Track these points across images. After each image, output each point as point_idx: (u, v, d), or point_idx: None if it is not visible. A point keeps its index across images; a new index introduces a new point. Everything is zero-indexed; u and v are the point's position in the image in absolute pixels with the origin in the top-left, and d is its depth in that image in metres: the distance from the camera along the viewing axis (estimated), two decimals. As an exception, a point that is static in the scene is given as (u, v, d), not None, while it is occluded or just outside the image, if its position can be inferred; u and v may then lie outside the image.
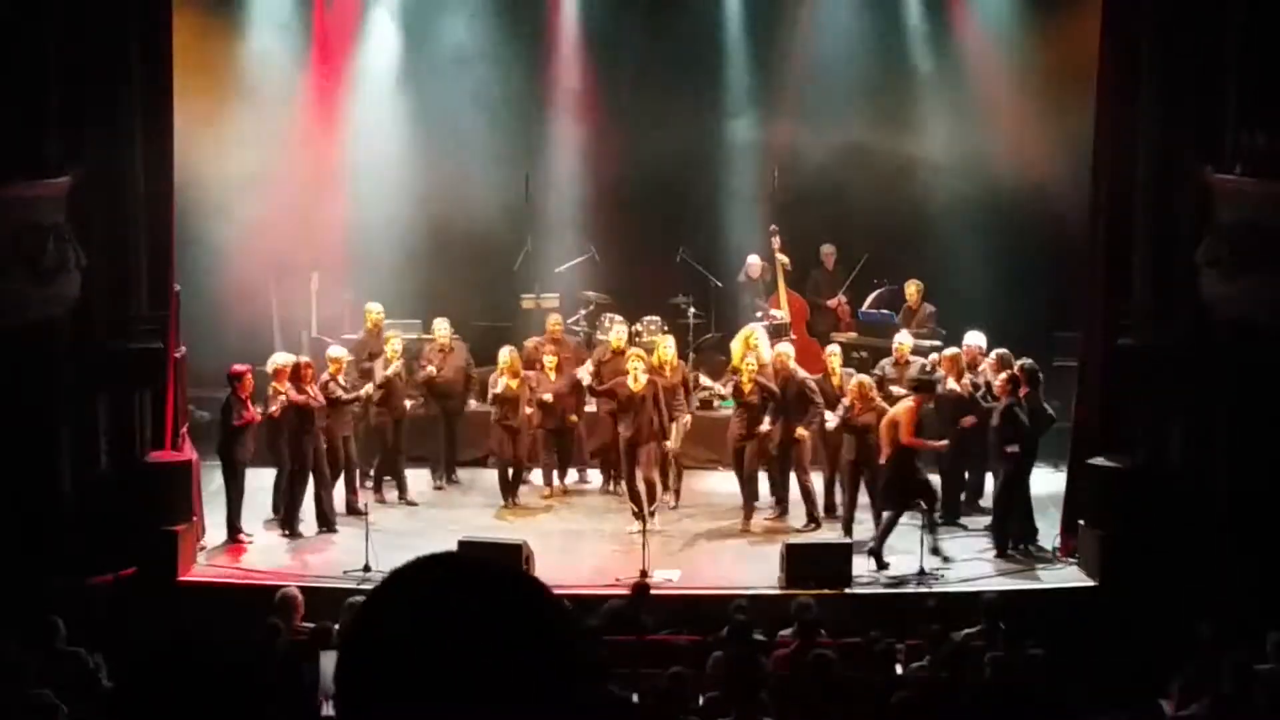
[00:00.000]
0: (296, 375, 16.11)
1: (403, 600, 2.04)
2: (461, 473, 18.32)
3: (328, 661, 11.08)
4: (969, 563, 15.40)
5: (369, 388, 17.05)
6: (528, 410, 17.39)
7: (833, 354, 17.15)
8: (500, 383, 17.29)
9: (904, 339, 17.52)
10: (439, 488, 18.04)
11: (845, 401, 16.00)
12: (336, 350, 17.09)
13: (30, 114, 14.32)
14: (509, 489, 17.33)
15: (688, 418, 17.00)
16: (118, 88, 14.95)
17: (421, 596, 2.03)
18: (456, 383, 18.00)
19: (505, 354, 17.41)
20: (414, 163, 20.49)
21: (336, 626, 11.59)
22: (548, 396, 17.32)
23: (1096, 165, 15.90)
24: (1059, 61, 18.93)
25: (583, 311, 19.31)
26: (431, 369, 17.75)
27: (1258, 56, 14.44)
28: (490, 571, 2.07)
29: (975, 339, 17.10)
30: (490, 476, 17.74)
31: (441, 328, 18.01)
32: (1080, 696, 10.91)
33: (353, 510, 16.63)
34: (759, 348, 16.85)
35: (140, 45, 15.11)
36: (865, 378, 16.22)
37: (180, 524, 15.05)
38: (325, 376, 16.59)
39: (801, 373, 16.25)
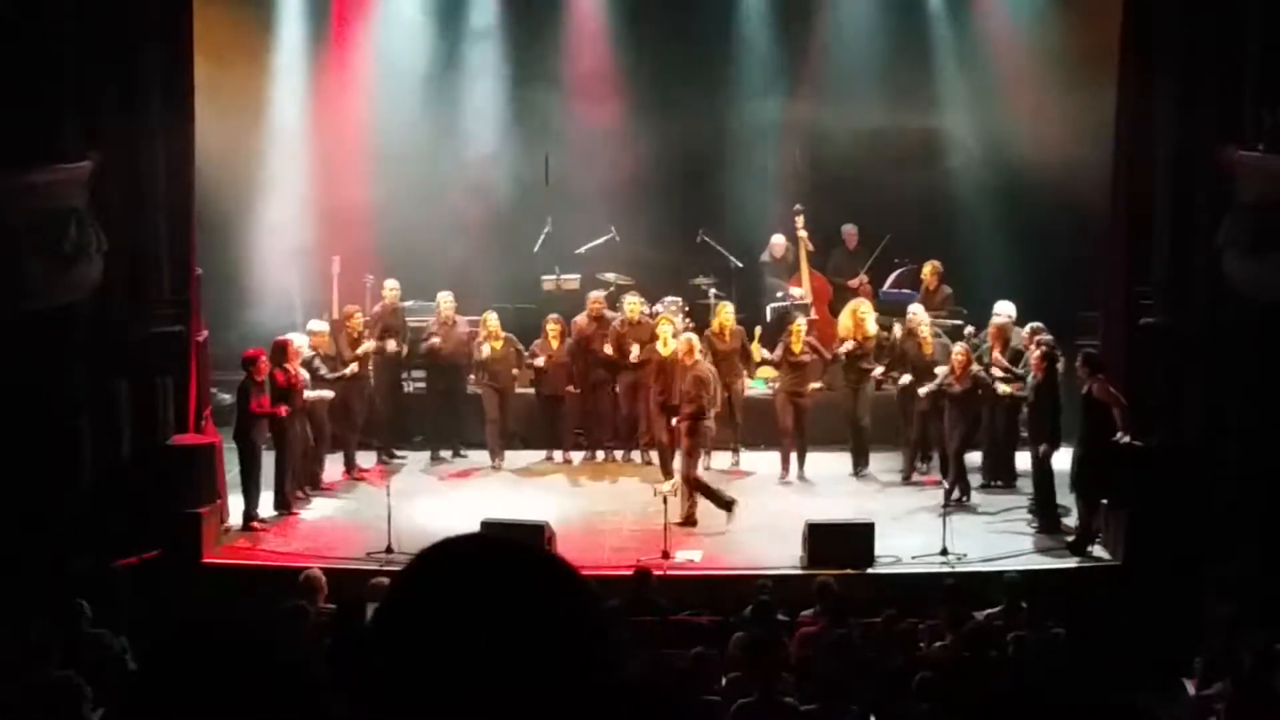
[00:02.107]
0: (282, 354, 16.15)
1: (427, 592, 2.01)
2: (473, 454, 18.51)
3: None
4: (999, 539, 15.52)
5: (353, 367, 17.27)
6: (515, 371, 18.03)
7: (923, 324, 17.32)
8: (485, 348, 17.78)
9: (917, 309, 17.82)
10: (441, 460, 18.39)
11: (943, 370, 16.33)
12: (318, 324, 17.25)
13: (51, 98, 14.34)
14: (496, 450, 18.06)
15: (746, 380, 18.06)
16: (138, 71, 14.99)
17: (447, 587, 2.00)
18: (459, 356, 18.20)
19: (493, 319, 17.94)
20: (435, 144, 20.53)
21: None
22: (539, 361, 17.85)
23: (1118, 144, 15.88)
24: (1081, 41, 18.85)
25: (603, 292, 19.33)
26: (436, 340, 18.00)
27: (1279, 34, 14.38)
28: (519, 556, 2.05)
29: (1005, 308, 17.31)
30: (509, 457, 18.23)
31: (445, 301, 18.20)
32: (1102, 676, 10.91)
33: (315, 485, 17.03)
34: (865, 320, 17.57)
35: (161, 29, 15.15)
36: (965, 346, 16.36)
37: (203, 506, 15.12)
38: (308, 353, 16.69)
39: (704, 365, 16.32)
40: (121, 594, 13.17)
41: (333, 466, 17.65)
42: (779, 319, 18.86)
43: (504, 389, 18.12)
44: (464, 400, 18.52)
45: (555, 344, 18.08)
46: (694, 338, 16.67)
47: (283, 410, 15.87)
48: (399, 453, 18.44)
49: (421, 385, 18.85)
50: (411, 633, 1.98)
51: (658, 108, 20.58)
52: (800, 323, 17.62)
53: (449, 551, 2.06)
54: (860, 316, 17.68)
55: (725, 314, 17.91)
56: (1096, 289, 17.26)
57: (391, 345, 17.95)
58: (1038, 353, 15.78)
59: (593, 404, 18.29)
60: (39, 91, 14.20)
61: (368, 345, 17.49)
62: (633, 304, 18.17)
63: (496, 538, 2.11)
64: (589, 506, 16.65)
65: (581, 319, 18.27)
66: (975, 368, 16.31)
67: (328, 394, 16.76)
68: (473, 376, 18.32)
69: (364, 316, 17.80)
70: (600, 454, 18.44)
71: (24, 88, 14.08)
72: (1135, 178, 15.55)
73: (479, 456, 18.36)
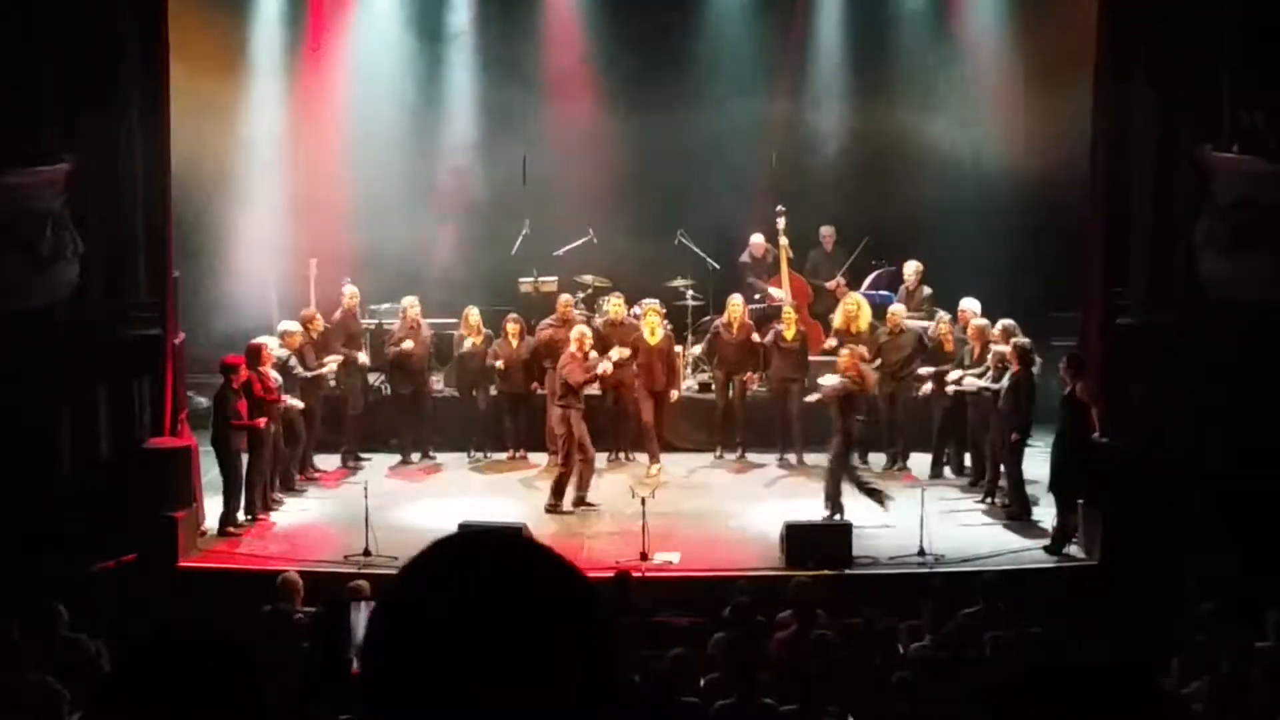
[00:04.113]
0: (256, 358, 16.07)
1: (430, 592, 1.97)
2: (441, 456, 18.62)
3: (359, 615, 11.22)
4: (976, 539, 15.55)
5: (330, 365, 17.35)
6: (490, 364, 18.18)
7: (943, 319, 17.60)
8: (466, 342, 18.12)
9: (897, 308, 18.07)
10: (409, 461, 18.43)
11: (978, 373, 16.28)
12: (290, 325, 17.24)
13: (27, 100, 14.30)
14: (473, 444, 18.49)
15: (751, 372, 18.36)
16: (114, 73, 14.95)
17: (450, 585, 1.96)
18: (424, 359, 18.29)
19: (474, 314, 18.20)
20: (411, 146, 20.52)
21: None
22: (499, 364, 17.93)
23: (1095, 145, 15.92)
24: (1058, 42, 18.90)
25: (580, 294, 19.37)
26: (409, 343, 17.99)
27: (1255, 34, 14.43)
28: (520, 553, 2.01)
29: (970, 304, 17.53)
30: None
31: (411, 304, 18.24)
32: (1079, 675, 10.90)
33: (288, 487, 17.01)
34: (860, 315, 18.00)
35: (136, 30, 15.11)
36: (1004, 349, 16.23)
37: (180, 510, 15.06)
38: (283, 354, 16.68)
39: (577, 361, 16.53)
40: (98, 597, 13.13)
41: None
42: (757, 320, 18.91)
43: (480, 384, 18.36)
44: (431, 403, 18.58)
45: (515, 343, 18.11)
46: (586, 329, 16.92)
47: (261, 422, 15.79)
48: (365, 455, 18.43)
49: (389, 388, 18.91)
50: (414, 633, 1.94)
51: (636, 108, 20.59)
52: (789, 311, 18.07)
53: (449, 550, 2.02)
54: (852, 313, 18.01)
55: (733, 306, 18.22)
56: (1074, 289, 17.29)
57: (362, 358, 18.11)
58: (1014, 353, 15.79)
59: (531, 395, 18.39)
60: (14, 93, 14.16)
61: (333, 362, 17.45)
62: (616, 305, 18.28)
63: (495, 533, 2.07)
64: (567, 508, 16.60)
65: (548, 321, 18.29)
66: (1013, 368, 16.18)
67: (298, 404, 16.67)
68: (437, 378, 18.53)
69: (324, 323, 17.81)
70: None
71: (1, 89, 14.03)
72: (1113, 178, 15.59)
73: (448, 459, 18.45)
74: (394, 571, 2.05)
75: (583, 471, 16.41)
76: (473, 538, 2.05)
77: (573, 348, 16.52)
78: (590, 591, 2.01)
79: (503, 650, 1.90)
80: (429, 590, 1.97)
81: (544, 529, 15.18)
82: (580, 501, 16.34)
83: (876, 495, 15.72)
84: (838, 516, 15.65)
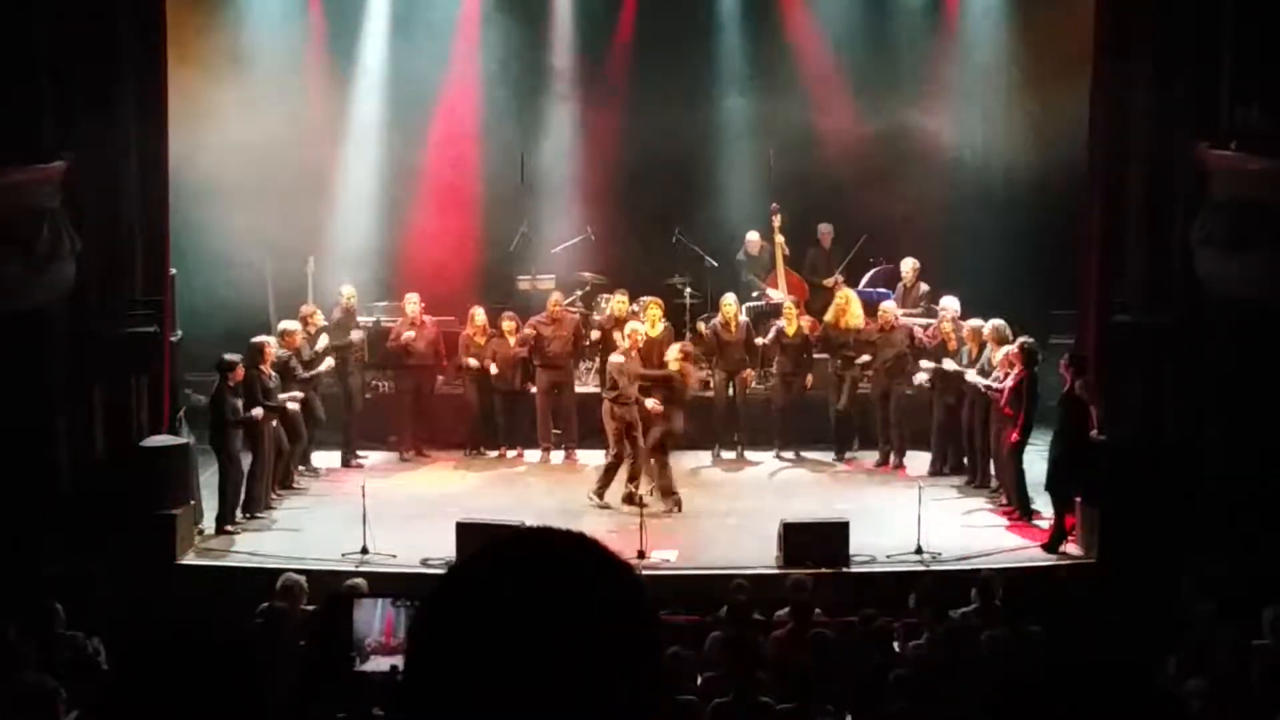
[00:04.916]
0: (258, 355, 16.06)
1: (482, 602, 1.90)
2: (439, 454, 18.72)
3: (360, 614, 11.20)
4: (973, 537, 15.55)
5: (328, 361, 17.37)
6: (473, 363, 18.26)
7: (944, 318, 17.52)
8: (475, 342, 18.26)
9: (888, 305, 18.09)
10: (405, 459, 18.51)
11: (997, 372, 16.15)
12: (290, 325, 17.25)
13: (24, 99, 14.29)
14: (477, 442, 18.59)
15: (749, 370, 18.46)
16: (112, 71, 14.96)
17: (507, 587, 1.90)
18: (427, 356, 18.32)
19: (480, 314, 18.32)
20: (409, 144, 20.52)
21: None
22: (494, 369, 18.09)
23: (1092, 142, 15.93)
24: (1057, 40, 18.92)
25: (579, 292, 19.39)
26: (410, 333, 18.12)
27: (1253, 32, 14.43)
28: (576, 555, 1.97)
29: (950, 303, 17.56)
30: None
31: (412, 302, 18.30)
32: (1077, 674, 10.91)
33: (287, 485, 17.05)
34: (850, 309, 18.05)
35: (134, 28, 15.12)
36: (1009, 348, 16.21)
37: (177, 507, 15.06)
38: (283, 354, 16.70)
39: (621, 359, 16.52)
40: (96, 595, 13.12)
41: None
42: (755, 318, 18.93)
43: (482, 382, 18.43)
44: (433, 401, 18.66)
45: (510, 341, 18.24)
46: (638, 325, 17.06)
47: (258, 414, 15.80)
48: (362, 453, 18.44)
49: (391, 385, 18.94)
50: (466, 632, 1.88)
51: (634, 107, 20.60)
52: (790, 306, 18.23)
53: (503, 549, 1.97)
54: (841, 306, 18.08)
55: (727, 306, 18.24)
56: (1072, 286, 17.29)
57: (356, 335, 18.10)
58: (1019, 353, 15.78)
59: (557, 404, 18.37)
60: (12, 91, 14.15)
61: (327, 364, 17.49)
62: (620, 302, 18.33)
63: (555, 533, 2.02)
64: (565, 506, 16.60)
65: (536, 319, 18.32)
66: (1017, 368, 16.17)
67: (299, 395, 16.70)
68: (441, 379, 18.69)
69: (324, 320, 17.84)
70: (561, 453, 18.53)
71: (0, 89, 14.04)
72: (1111, 175, 15.60)
73: (446, 456, 18.52)
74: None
75: (630, 464, 16.46)
76: (530, 536, 2.00)
77: (624, 344, 16.60)
78: (643, 594, 1.96)
79: (553, 653, 1.85)
80: (483, 589, 1.92)
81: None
82: (630, 496, 16.21)
83: (669, 497, 16.04)
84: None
